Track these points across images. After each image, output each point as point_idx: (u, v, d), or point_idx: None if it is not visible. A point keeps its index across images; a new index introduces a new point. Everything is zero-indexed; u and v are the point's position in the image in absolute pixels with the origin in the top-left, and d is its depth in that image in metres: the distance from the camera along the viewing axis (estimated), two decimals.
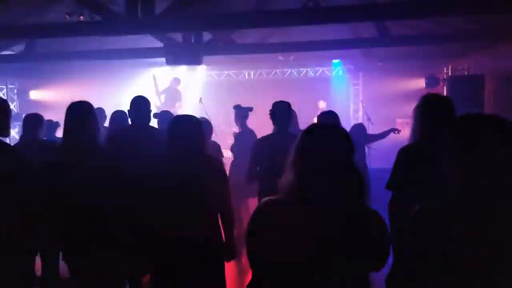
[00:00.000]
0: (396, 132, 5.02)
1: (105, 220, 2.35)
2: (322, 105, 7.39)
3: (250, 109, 4.52)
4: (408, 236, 1.22)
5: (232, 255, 2.31)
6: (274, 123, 3.17)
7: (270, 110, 3.18)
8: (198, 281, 2.17)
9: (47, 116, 4.68)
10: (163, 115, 4.51)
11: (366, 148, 4.99)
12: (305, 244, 1.27)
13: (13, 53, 7.06)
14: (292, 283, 1.31)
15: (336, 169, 1.29)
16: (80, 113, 2.40)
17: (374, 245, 1.29)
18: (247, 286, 1.48)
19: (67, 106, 2.42)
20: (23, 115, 3.68)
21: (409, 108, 2.40)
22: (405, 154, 2.24)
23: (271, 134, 3.28)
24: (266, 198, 1.42)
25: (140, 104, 3.03)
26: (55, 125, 4.51)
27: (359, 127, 5.01)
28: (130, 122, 3.24)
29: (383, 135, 5.08)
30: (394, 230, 2.14)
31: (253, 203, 4.49)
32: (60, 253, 3.11)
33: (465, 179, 1.16)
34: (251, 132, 4.48)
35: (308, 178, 1.30)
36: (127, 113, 3.89)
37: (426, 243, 1.16)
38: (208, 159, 2.22)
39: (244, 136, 4.46)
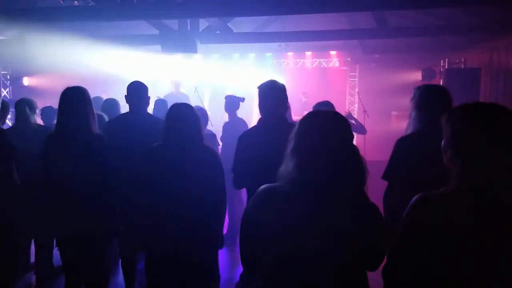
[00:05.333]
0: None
1: (93, 207, 2.33)
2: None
3: (242, 99, 4.48)
4: (405, 226, 1.20)
5: (220, 243, 2.32)
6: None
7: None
8: (193, 268, 2.17)
9: (42, 102, 4.61)
10: (158, 104, 4.48)
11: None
12: (301, 234, 1.25)
13: (5, 38, 6.93)
14: (287, 273, 1.29)
15: (335, 157, 1.26)
16: (73, 98, 2.35)
17: (370, 238, 1.27)
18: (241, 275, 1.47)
19: (61, 92, 2.38)
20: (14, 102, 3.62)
21: (405, 100, 2.38)
22: (402, 144, 2.23)
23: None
24: (265, 185, 1.38)
25: (138, 89, 2.95)
26: (55, 111, 4.46)
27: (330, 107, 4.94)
28: (123, 110, 3.19)
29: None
30: (389, 221, 2.14)
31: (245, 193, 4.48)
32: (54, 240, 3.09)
33: (463, 168, 1.14)
34: (240, 121, 4.45)
35: (307, 167, 1.27)
36: (118, 102, 3.86)
37: (424, 234, 1.14)
38: (203, 149, 2.21)
39: (231, 125, 4.44)
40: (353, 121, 5.18)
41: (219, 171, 2.23)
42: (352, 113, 8.41)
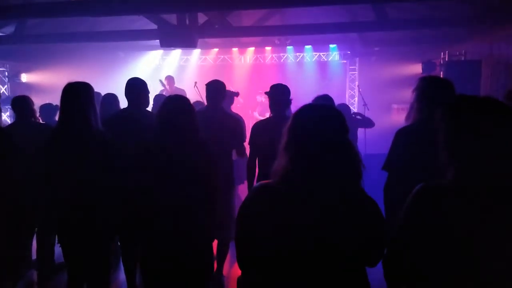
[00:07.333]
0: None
1: (95, 203, 2.31)
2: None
3: (236, 94, 4.45)
4: (407, 216, 1.19)
5: (212, 237, 2.29)
6: (270, 107, 3.12)
7: (267, 93, 3.14)
8: (187, 265, 2.13)
9: (41, 99, 4.59)
10: (157, 99, 4.47)
11: (358, 131, 4.88)
12: (297, 231, 1.24)
13: (3, 34, 6.89)
14: (284, 271, 1.27)
15: (329, 151, 1.24)
16: (75, 94, 2.33)
17: (368, 233, 1.25)
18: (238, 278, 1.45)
19: (63, 87, 2.35)
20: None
21: (406, 93, 2.38)
22: (403, 135, 2.22)
23: (268, 118, 3.26)
24: (259, 183, 1.37)
25: (137, 86, 2.93)
26: (55, 108, 4.45)
27: (343, 108, 4.68)
28: (123, 106, 3.17)
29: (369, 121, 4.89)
30: (390, 212, 2.14)
31: (242, 190, 4.46)
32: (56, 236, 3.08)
33: (459, 161, 1.13)
34: (235, 116, 4.43)
35: (300, 161, 1.25)
36: (117, 96, 3.84)
37: (426, 224, 1.13)
38: (195, 140, 2.16)
39: None
40: (359, 117, 5.02)
41: (209, 161, 2.17)
42: (352, 107, 8.37)
